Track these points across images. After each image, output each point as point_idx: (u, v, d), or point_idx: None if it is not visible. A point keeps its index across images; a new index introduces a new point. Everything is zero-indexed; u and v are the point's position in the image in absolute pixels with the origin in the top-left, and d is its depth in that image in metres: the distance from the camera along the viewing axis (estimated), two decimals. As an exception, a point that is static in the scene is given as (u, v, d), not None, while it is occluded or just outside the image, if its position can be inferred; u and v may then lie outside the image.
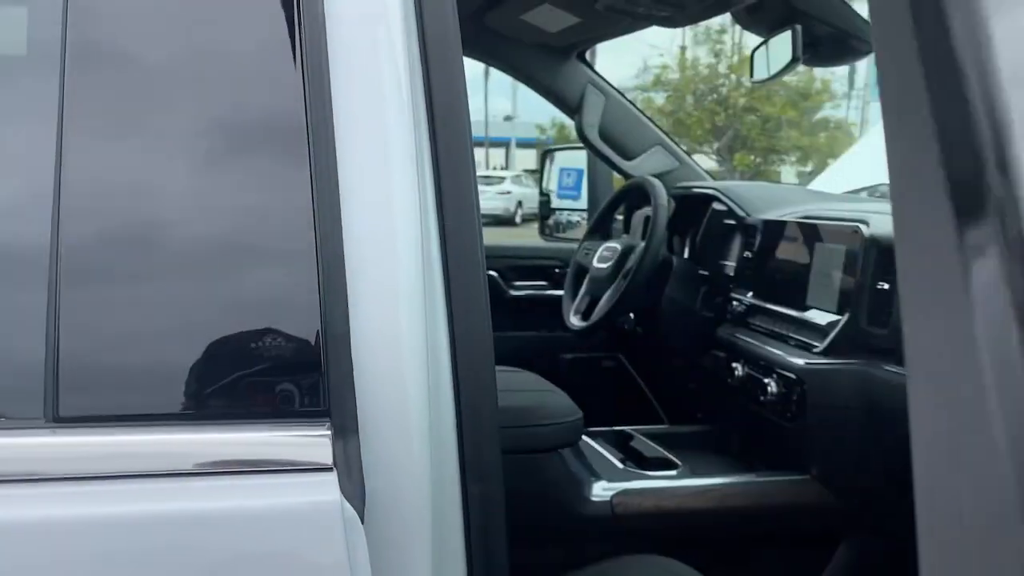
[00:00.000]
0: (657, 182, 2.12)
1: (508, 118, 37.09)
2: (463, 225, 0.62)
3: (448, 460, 0.59)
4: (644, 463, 1.73)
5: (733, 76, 24.70)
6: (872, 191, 2.51)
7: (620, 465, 1.65)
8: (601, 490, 1.51)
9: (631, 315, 2.43)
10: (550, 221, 3.07)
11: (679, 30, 2.61)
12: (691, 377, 2.20)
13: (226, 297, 0.59)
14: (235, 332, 0.57)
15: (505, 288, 2.59)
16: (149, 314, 0.58)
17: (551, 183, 3.15)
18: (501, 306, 2.60)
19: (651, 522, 1.51)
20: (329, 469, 0.51)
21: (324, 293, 0.55)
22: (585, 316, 2.20)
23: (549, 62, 2.32)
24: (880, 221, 1.58)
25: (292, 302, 0.58)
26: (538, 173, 3.14)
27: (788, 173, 23.61)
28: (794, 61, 1.88)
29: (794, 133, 20.89)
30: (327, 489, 0.50)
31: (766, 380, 1.67)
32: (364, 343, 0.55)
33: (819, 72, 23.34)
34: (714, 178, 2.47)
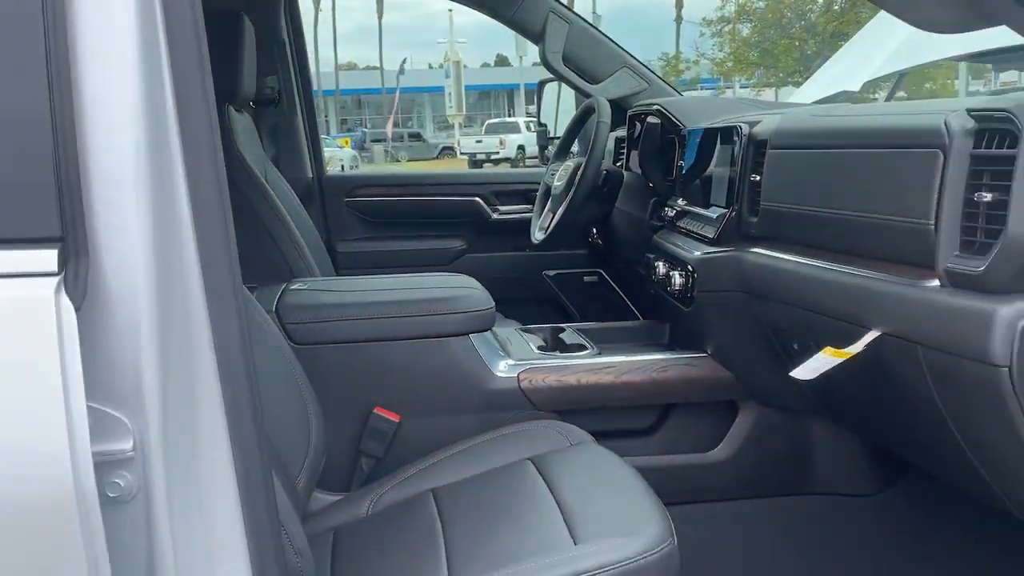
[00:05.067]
0: (602, 101, 2.27)
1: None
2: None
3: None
4: (560, 348, 1.93)
5: (821, 1, 23.68)
6: (836, 99, 2.59)
7: (536, 350, 1.86)
8: (508, 368, 1.73)
9: (594, 230, 2.61)
10: (549, 150, 3.24)
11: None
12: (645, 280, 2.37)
13: None
14: None
15: (489, 212, 2.80)
16: None
17: (548, 114, 3.31)
18: (485, 229, 2.81)
19: (554, 394, 1.72)
20: (55, 274, 0.74)
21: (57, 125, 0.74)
22: (547, 231, 2.39)
23: (509, -7, 2.48)
24: (770, 120, 1.71)
25: (24, 132, 0.73)
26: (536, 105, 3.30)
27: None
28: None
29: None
30: (49, 285, 0.73)
31: (672, 273, 1.84)
32: (96, 170, 0.76)
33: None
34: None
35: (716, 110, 2.17)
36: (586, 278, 2.82)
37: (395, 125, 35.46)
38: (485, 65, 49.03)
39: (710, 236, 1.75)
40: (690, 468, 1.80)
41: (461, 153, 28.44)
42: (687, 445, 1.81)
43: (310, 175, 2.69)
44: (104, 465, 0.75)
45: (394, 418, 1.65)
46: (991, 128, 1.09)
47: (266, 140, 2.55)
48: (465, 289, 1.75)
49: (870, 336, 1.28)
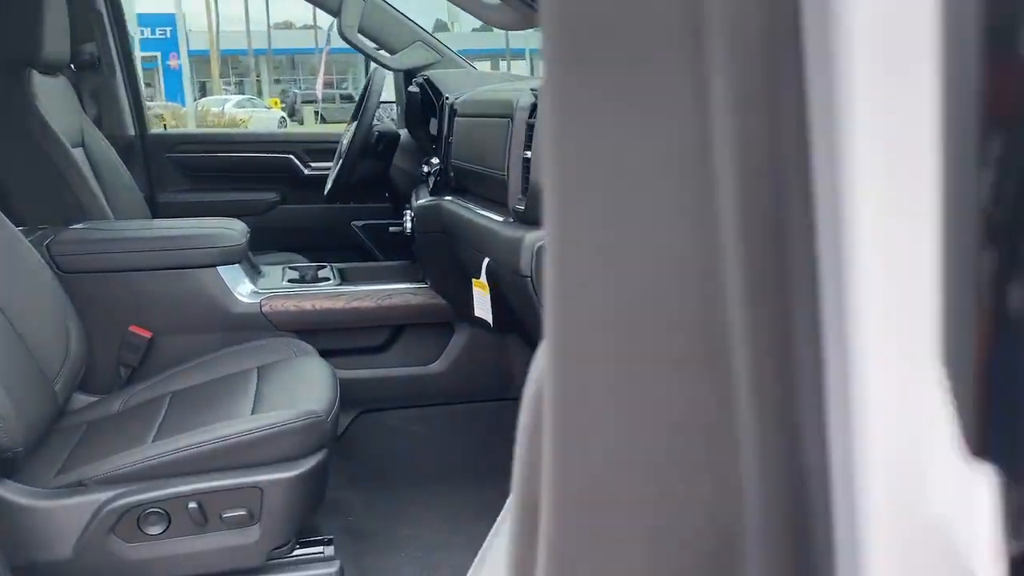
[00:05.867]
0: (379, 72, 2.60)
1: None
2: None
3: None
4: (313, 281, 2.29)
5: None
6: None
7: (285, 281, 2.22)
8: (251, 294, 2.09)
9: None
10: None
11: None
12: None
13: None
14: None
15: (301, 168, 3.12)
16: None
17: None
18: (298, 183, 3.14)
19: (291, 317, 2.09)
20: None
21: None
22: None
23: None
24: (474, 92, 2.08)
25: None
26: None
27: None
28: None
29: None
30: None
31: (406, 219, 2.21)
32: None
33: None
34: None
35: (475, 82, 2.53)
36: (392, 228, 3.17)
37: (327, 86, 35.00)
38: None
39: (429, 187, 2.12)
40: (415, 378, 2.20)
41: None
42: (413, 359, 2.20)
43: (132, 133, 2.97)
44: None
45: (146, 334, 1.99)
46: (537, 102, 1.47)
47: (88, 101, 2.82)
48: (219, 229, 2.09)
49: (485, 262, 1.67)
